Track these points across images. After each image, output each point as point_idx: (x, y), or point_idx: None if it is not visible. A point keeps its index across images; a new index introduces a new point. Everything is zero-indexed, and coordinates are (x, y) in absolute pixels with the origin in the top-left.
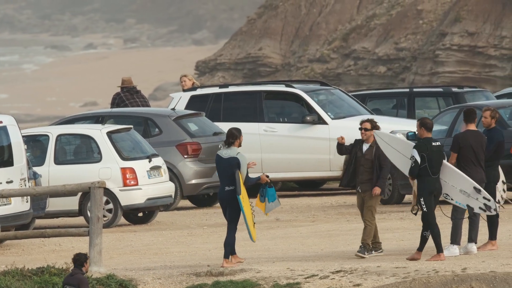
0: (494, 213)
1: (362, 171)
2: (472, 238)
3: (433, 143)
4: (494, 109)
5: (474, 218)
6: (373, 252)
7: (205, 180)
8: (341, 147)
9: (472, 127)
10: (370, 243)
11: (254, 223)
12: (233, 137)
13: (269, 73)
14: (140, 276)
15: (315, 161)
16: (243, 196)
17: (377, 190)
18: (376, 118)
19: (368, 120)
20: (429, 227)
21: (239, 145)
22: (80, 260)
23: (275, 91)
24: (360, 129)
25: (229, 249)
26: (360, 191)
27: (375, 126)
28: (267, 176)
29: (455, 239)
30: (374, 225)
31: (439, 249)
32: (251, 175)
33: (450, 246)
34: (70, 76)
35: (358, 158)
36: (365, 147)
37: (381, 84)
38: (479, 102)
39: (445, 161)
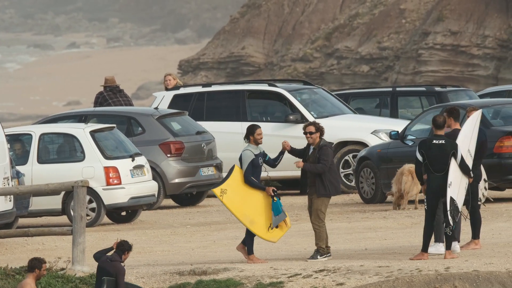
0: (448, 228)
1: (309, 174)
2: (455, 237)
3: (435, 141)
4: (479, 109)
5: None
6: (318, 257)
7: (188, 179)
8: (293, 151)
9: (456, 126)
10: (324, 246)
11: (272, 225)
12: (247, 133)
13: (252, 72)
14: None
15: (298, 160)
16: (224, 191)
17: (299, 163)
18: (360, 117)
19: (312, 124)
20: (425, 223)
21: (255, 142)
22: (123, 247)
23: (258, 90)
24: (305, 133)
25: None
26: (308, 193)
27: (319, 129)
28: (274, 191)
29: (439, 237)
30: (323, 227)
31: (424, 248)
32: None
33: (436, 244)
34: (53, 75)
35: (305, 162)
36: (310, 150)
37: (364, 83)
38: (462, 102)
39: (453, 161)
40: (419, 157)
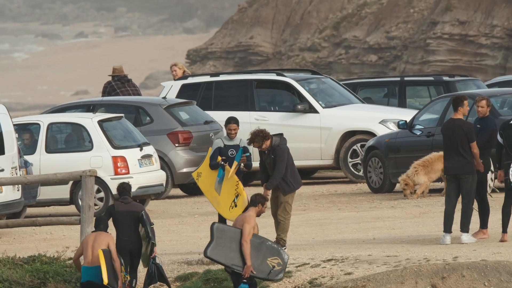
0: None
1: (271, 170)
2: (464, 228)
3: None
4: (488, 98)
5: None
6: None
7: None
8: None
9: (457, 115)
10: (285, 239)
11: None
12: (225, 123)
13: (260, 61)
14: None
15: (306, 150)
16: (200, 174)
17: (266, 193)
18: (368, 107)
19: (255, 139)
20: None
21: (228, 134)
22: (127, 188)
23: (266, 80)
24: (256, 147)
25: None
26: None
27: (264, 138)
28: (223, 160)
29: (465, 226)
30: (289, 220)
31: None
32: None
33: (465, 234)
34: (61, 64)
35: (264, 159)
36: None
37: (372, 73)
38: (470, 91)
39: None
40: (499, 139)
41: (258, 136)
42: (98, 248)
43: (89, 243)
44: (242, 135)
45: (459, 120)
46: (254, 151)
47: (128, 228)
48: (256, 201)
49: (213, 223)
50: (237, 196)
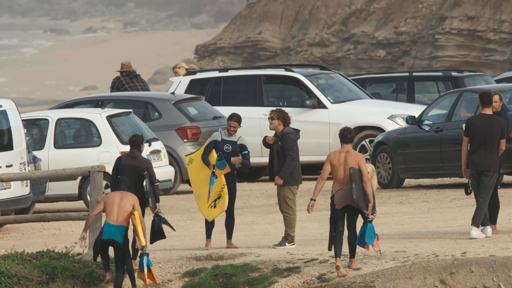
0: None
1: (274, 163)
2: (476, 223)
3: None
4: (500, 93)
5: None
6: (286, 244)
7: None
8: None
9: (488, 111)
10: (293, 234)
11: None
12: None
13: (269, 57)
14: None
15: (314, 145)
16: (192, 161)
17: (278, 180)
18: (376, 102)
19: (276, 111)
20: None
21: (227, 129)
22: (137, 141)
23: (275, 75)
24: (269, 118)
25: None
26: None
27: (283, 118)
28: (219, 154)
29: (479, 220)
30: (294, 215)
31: None
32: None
33: (475, 228)
34: (70, 60)
35: (273, 144)
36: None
37: (381, 68)
38: (479, 87)
39: None
40: None
41: (283, 112)
42: (125, 208)
43: (115, 201)
44: (250, 131)
45: (494, 116)
46: (259, 148)
47: (132, 182)
48: (351, 137)
49: (350, 168)
50: (219, 198)
